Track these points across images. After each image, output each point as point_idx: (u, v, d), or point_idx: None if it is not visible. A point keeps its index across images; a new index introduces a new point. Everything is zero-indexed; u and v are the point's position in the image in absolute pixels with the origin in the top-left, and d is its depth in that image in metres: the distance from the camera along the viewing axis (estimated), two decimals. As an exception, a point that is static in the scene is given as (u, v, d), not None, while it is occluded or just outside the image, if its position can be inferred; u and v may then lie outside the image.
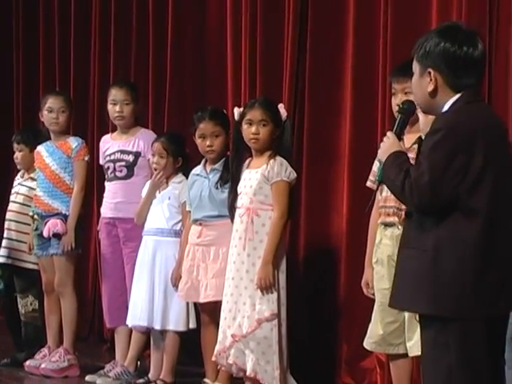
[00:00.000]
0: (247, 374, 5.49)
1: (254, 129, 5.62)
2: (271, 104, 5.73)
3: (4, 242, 7.20)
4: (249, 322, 5.48)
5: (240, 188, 5.64)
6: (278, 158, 5.59)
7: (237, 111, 5.76)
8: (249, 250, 5.54)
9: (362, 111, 6.25)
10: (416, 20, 5.94)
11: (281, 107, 5.73)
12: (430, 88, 3.65)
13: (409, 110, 3.89)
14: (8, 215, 7.26)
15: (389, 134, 3.79)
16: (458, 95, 3.63)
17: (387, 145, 3.75)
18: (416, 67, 3.71)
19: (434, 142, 3.53)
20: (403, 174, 3.56)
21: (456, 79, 3.62)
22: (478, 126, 3.57)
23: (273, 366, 5.46)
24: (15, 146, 7.33)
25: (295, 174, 5.65)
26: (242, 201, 5.61)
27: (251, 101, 5.87)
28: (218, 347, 5.57)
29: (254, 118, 5.63)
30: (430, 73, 3.64)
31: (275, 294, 5.50)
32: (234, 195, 5.69)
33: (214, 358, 5.64)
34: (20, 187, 7.24)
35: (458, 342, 3.55)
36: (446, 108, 3.63)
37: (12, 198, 7.28)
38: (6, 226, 7.24)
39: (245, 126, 5.64)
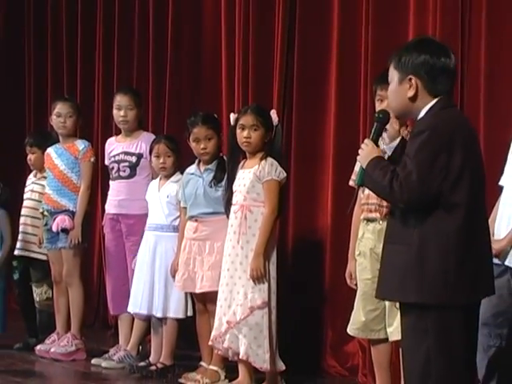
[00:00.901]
0: (240, 356, 5.49)
1: (246, 133, 5.61)
2: (262, 110, 5.73)
3: (20, 236, 7.17)
4: (242, 309, 5.48)
5: (235, 186, 5.64)
6: (269, 159, 5.59)
7: (232, 117, 5.76)
8: (242, 243, 5.54)
9: (345, 116, 6.25)
10: (394, 34, 5.94)
11: (273, 113, 5.73)
12: (411, 93, 3.65)
13: (384, 118, 3.87)
14: (24, 211, 7.24)
15: (366, 141, 3.78)
16: (434, 101, 3.64)
17: (366, 151, 3.74)
18: (394, 75, 3.71)
19: (419, 142, 3.54)
20: (390, 174, 3.56)
21: (434, 85, 3.64)
22: (455, 128, 3.59)
23: (263, 350, 5.46)
24: (28, 148, 7.31)
25: (285, 174, 5.64)
26: (237, 198, 5.61)
27: (244, 107, 5.88)
28: (214, 333, 5.57)
29: (246, 123, 5.62)
30: (410, 79, 3.65)
31: (266, 284, 5.50)
32: (229, 193, 5.69)
33: (210, 343, 5.64)
34: (34, 185, 7.22)
35: (436, 328, 3.56)
36: (423, 113, 3.65)
37: (27, 195, 7.26)
38: (21, 221, 7.21)
39: (238, 131, 5.64)
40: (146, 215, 6.35)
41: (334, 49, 6.34)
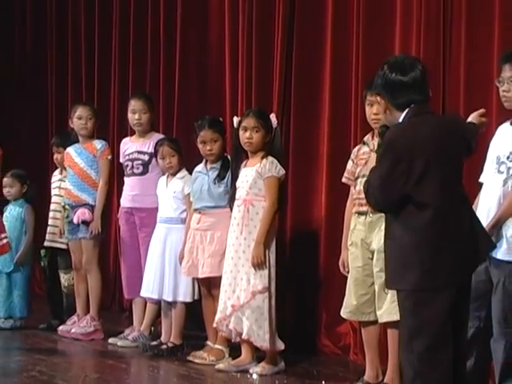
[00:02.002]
0: (243, 337, 5.48)
1: (248, 134, 5.60)
2: (263, 113, 5.71)
3: (49, 229, 7.13)
4: (245, 294, 5.48)
5: (238, 183, 5.63)
6: (270, 158, 5.58)
7: (236, 120, 5.75)
8: (245, 234, 5.53)
9: (338, 120, 6.23)
10: (382, 46, 5.92)
11: (272, 116, 5.72)
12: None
13: (386, 132, 3.91)
14: (53, 206, 7.19)
15: (372, 154, 4.06)
16: (404, 112, 3.72)
17: (372, 161, 3.99)
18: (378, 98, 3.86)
19: (380, 155, 3.72)
20: (367, 183, 3.74)
21: (395, 100, 3.73)
22: (418, 137, 3.65)
23: (264, 331, 5.46)
24: (54, 148, 7.27)
25: (284, 171, 5.63)
26: (240, 193, 5.60)
27: (246, 111, 5.87)
28: (219, 316, 5.56)
29: (248, 125, 5.60)
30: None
31: (267, 271, 5.49)
32: (233, 189, 5.68)
33: (215, 325, 5.64)
34: (61, 182, 7.17)
35: (416, 309, 3.61)
36: (398, 122, 3.75)
37: (55, 192, 7.22)
38: (51, 215, 7.17)
39: (241, 132, 5.63)
40: (156, 209, 6.32)
41: (327, 59, 6.32)
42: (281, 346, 5.57)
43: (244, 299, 5.46)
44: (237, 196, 5.61)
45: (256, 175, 5.54)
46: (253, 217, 5.53)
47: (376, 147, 3.98)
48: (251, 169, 5.59)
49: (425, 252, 3.57)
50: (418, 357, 3.58)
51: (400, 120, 3.71)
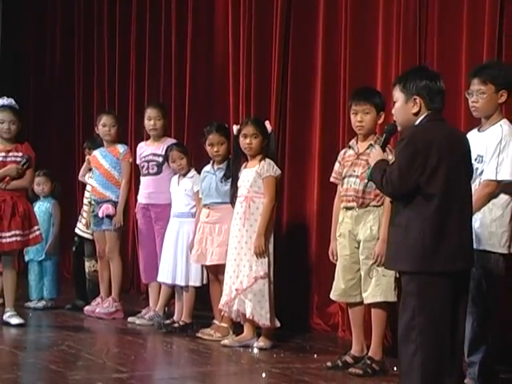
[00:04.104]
0: (247, 316, 5.48)
1: (247, 140, 5.60)
2: (260, 121, 5.72)
3: (83, 221, 7.09)
4: (248, 279, 5.47)
5: (240, 182, 5.63)
6: (267, 160, 5.58)
7: (235, 128, 5.74)
8: (247, 226, 5.52)
9: (328, 126, 6.22)
10: (366, 59, 5.93)
11: (267, 123, 5.71)
12: (415, 110, 3.76)
13: (392, 129, 3.96)
14: (85, 201, 7.16)
15: (376, 146, 3.95)
16: (423, 115, 3.74)
17: (375, 154, 3.88)
18: (400, 96, 3.80)
19: (400, 148, 3.69)
20: (382, 172, 3.70)
21: (432, 104, 3.75)
22: (434, 137, 3.67)
23: (265, 311, 5.46)
24: (87, 151, 7.20)
25: (280, 171, 5.63)
26: (242, 191, 5.60)
27: (245, 120, 5.85)
28: (225, 299, 5.57)
29: (247, 132, 5.60)
30: (415, 99, 3.74)
31: (266, 259, 5.49)
32: (234, 188, 5.69)
33: (220, 307, 5.63)
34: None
35: (419, 291, 3.60)
36: (416, 124, 3.77)
37: (88, 188, 7.12)
38: (84, 208, 7.12)
39: (241, 139, 5.62)
40: (169, 204, 6.32)
41: (319, 74, 6.32)
42: (278, 323, 5.58)
43: (247, 283, 5.46)
44: (239, 194, 5.62)
45: (256, 175, 5.55)
46: (253, 211, 5.53)
47: (381, 140, 3.97)
48: (251, 170, 5.59)
49: (426, 239, 3.57)
50: (420, 332, 3.56)
51: (417, 122, 3.74)
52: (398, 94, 3.81)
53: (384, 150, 3.92)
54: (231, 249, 5.59)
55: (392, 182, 3.64)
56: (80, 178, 7.26)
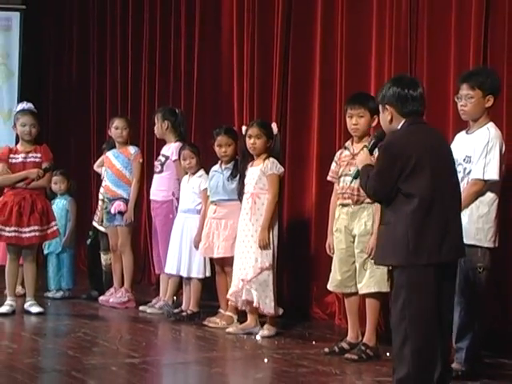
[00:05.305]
0: (253, 305, 5.47)
1: (252, 140, 5.59)
2: (264, 123, 5.70)
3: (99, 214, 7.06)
4: (253, 270, 5.46)
5: (246, 180, 5.62)
6: (271, 159, 5.56)
7: (244, 129, 5.72)
8: (253, 221, 5.51)
9: (326, 129, 6.20)
10: (361, 65, 5.91)
11: (273, 125, 5.69)
12: (389, 118, 3.78)
13: (381, 136, 3.95)
14: (101, 198, 7.13)
15: (365, 150, 3.95)
16: (403, 121, 3.73)
17: (363, 157, 3.94)
18: (380, 108, 3.84)
19: (379, 154, 3.74)
20: (365, 177, 3.76)
21: (404, 109, 3.74)
22: (411, 140, 3.66)
23: (270, 300, 5.45)
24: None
25: (283, 169, 5.61)
26: (248, 188, 5.59)
27: (251, 122, 5.85)
28: (233, 289, 5.55)
29: (252, 133, 5.59)
30: (387, 108, 3.76)
31: (271, 251, 5.47)
32: (241, 186, 5.68)
33: (228, 296, 5.62)
34: None
35: (407, 283, 3.60)
36: (398, 128, 3.77)
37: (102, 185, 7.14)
38: (99, 204, 7.07)
39: (247, 139, 5.62)
40: (167, 201, 6.36)
41: (316, 80, 6.30)
42: (280, 311, 5.56)
43: (252, 274, 5.44)
44: (245, 190, 5.61)
45: (260, 173, 5.53)
46: (259, 207, 5.52)
47: (369, 145, 3.98)
48: (256, 168, 5.58)
49: (410, 234, 3.57)
50: (410, 322, 3.57)
51: (398, 127, 3.73)
52: (380, 106, 3.85)
53: (371, 154, 3.94)
54: (239, 242, 5.58)
55: (373, 187, 3.70)
56: (95, 168, 7.23)
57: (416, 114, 3.74)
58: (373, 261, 4.79)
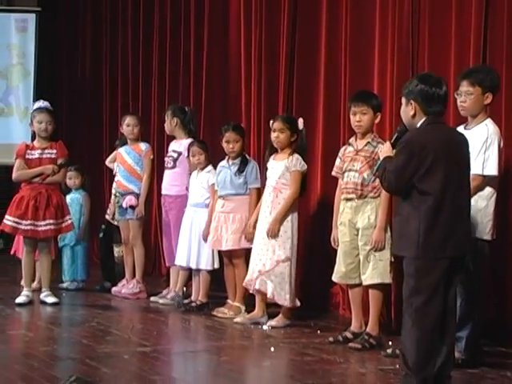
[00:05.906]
0: (268, 296, 5.45)
1: (275, 134, 5.52)
2: (289, 118, 5.64)
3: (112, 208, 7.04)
4: (270, 262, 5.43)
5: (268, 173, 5.57)
6: (296, 155, 5.49)
7: (271, 122, 5.60)
8: (273, 214, 5.47)
9: (331, 124, 6.19)
10: (364, 65, 5.90)
11: (300, 121, 5.58)
12: (412, 112, 3.78)
13: (403, 130, 3.93)
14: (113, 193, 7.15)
15: (388, 143, 3.94)
16: (424, 118, 3.75)
17: (384, 150, 3.93)
18: (403, 100, 3.84)
19: (398, 150, 3.74)
20: (382, 169, 3.77)
21: (428, 108, 3.75)
22: (429, 139, 3.69)
23: (285, 292, 5.41)
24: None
25: (306, 166, 5.52)
26: (271, 182, 5.54)
27: (275, 116, 5.73)
28: (248, 278, 5.53)
29: (276, 127, 5.53)
30: (411, 103, 3.77)
31: (289, 243, 5.43)
32: (265, 171, 5.61)
33: (244, 285, 5.60)
34: None
35: (416, 273, 3.64)
36: (417, 127, 3.79)
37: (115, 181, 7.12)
38: (112, 198, 7.06)
39: (272, 132, 5.56)
40: (180, 196, 6.34)
41: (322, 77, 6.28)
42: (297, 303, 5.53)
43: (269, 266, 5.41)
44: (268, 184, 5.55)
45: (284, 168, 5.47)
46: (280, 201, 5.46)
47: (393, 139, 3.93)
48: (280, 163, 5.51)
49: (421, 230, 3.62)
50: (416, 310, 3.62)
51: (418, 125, 3.75)
52: (402, 98, 3.86)
53: (394, 147, 3.89)
54: (258, 233, 5.54)
55: (388, 180, 3.71)
56: (107, 163, 7.22)
57: (438, 113, 3.78)
58: (376, 253, 4.83)
